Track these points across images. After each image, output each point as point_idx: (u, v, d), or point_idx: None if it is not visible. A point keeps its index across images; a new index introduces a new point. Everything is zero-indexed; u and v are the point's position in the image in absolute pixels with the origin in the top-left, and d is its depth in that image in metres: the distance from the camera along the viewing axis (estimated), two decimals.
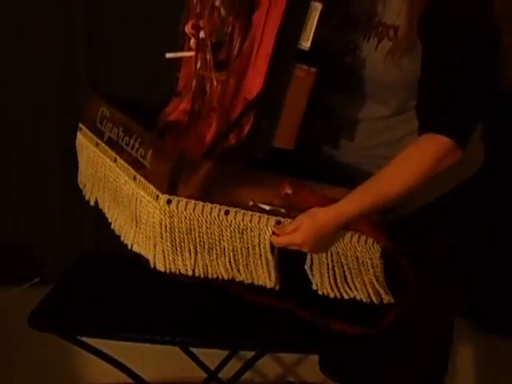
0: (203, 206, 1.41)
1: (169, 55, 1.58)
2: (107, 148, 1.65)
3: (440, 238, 1.68)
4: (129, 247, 1.51)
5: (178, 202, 1.40)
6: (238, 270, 1.46)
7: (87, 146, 1.75)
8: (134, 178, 1.50)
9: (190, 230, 1.42)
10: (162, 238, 1.41)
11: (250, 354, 1.78)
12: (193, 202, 1.41)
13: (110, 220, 1.62)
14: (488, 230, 2.14)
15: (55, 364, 2.46)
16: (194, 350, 2.09)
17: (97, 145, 1.70)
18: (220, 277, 1.45)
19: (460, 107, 1.48)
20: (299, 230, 1.46)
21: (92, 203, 1.72)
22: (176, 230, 1.41)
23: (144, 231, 1.46)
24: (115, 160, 1.60)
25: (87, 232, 2.24)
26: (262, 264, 1.47)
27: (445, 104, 1.48)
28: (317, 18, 1.39)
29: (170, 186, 1.39)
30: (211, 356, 2.04)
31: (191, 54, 1.55)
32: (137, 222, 1.49)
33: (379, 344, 1.66)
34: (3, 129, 2.25)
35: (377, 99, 1.61)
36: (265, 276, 1.48)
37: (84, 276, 1.91)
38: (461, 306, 1.81)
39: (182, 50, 1.61)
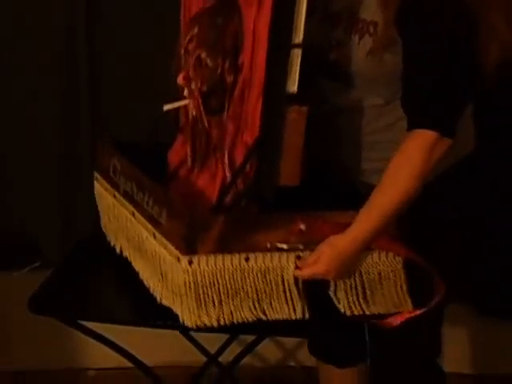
0: (223, 259, 1.46)
1: (166, 107, 1.61)
2: (124, 201, 1.70)
3: (437, 220, 1.71)
4: (158, 301, 1.57)
5: (199, 260, 1.44)
6: (263, 310, 1.50)
7: (106, 196, 1.80)
8: (154, 236, 1.55)
9: (214, 282, 1.46)
10: (186, 296, 1.46)
11: (250, 338, 1.79)
12: (213, 256, 1.45)
13: (137, 269, 1.67)
14: (487, 215, 2.17)
15: (55, 348, 2.50)
16: (194, 334, 2.07)
17: (114, 196, 1.75)
18: (245, 320, 1.49)
19: (438, 99, 1.51)
20: (320, 261, 1.49)
21: (118, 251, 1.76)
22: (200, 285, 1.45)
23: (170, 288, 1.51)
24: (133, 214, 1.65)
25: (87, 216, 2.24)
26: (286, 298, 1.51)
27: (423, 98, 1.52)
28: (299, 62, 1.42)
29: (188, 247, 1.44)
30: (211, 340, 2.02)
31: (186, 102, 1.57)
32: (162, 279, 1.54)
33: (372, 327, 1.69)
34: (1, 114, 2.27)
35: (368, 90, 1.64)
36: (290, 310, 1.51)
37: (84, 260, 1.89)
38: (457, 289, 1.83)
39: (179, 98, 1.64)
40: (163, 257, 1.52)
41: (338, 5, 1.63)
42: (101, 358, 2.43)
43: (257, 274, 1.48)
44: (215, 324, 1.48)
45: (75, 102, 2.26)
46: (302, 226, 1.48)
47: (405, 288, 1.59)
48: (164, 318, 1.59)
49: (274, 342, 2.49)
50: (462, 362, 2.44)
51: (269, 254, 1.48)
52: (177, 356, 2.41)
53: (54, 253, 2.29)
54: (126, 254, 1.73)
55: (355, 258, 1.53)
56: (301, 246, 1.49)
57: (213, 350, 2.11)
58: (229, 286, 1.47)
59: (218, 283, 1.46)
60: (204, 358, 2.14)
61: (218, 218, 1.45)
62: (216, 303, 1.47)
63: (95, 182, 1.86)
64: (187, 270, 1.44)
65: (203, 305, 1.46)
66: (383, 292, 1.58)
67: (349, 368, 2.01)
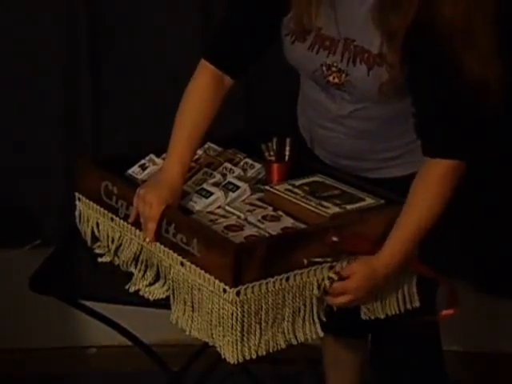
0: (267, 284, 1.45)
1: None
2: (128, 225, 1.64)
3: None
4: (186, 333, 1.54)
5: (246, 289, 1.43)
6: (294, 333, 1.51)
7: (96, 218, 1.73)
8: (182, 264, 1.51)
9: (258, 310, 1.45)
10: (231, 328, 1.44)
11: None
12: (257, 283, 1.44)
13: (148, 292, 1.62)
14: (487, 194, 2.23)
15: (55, 326, 2.53)
16: None
17: (112, 219, 1.68)
18: (278, 348, 1.49)
19: (456, 126, 1.56)
20: (353, 277, 1.50)
21: (120, 266, 1.69)
22: (246, 316, 1.44)
23: (209, 320, 1.48)
24: (145, 240, 1.59)
25: None
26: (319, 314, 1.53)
27: (441, 127, 1.57)
28: None
29: (236, 278, 1.42)
30: None
31: None
32: (193, 308, 1.51)
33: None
34: (2, 87, 2.27)
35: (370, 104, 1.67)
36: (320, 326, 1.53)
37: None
38: (456, 266, 1.90)
39: None
40: (198, 287, 1.49)
41: (332, 30, 1.63)
42: (101, 336, 2.45)
43: (295, 292, 1.49)
44: (254, 356, 1.47)
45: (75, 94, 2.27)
46: (335, 239, 1.49)
47: (415, 282, 1.63)
48: (164, 297, 1.59)
49: None
50: (460, 340, 2.51)
51: (306, 271, 1.49)
52: (176, 334, 2.30)
53: (54, 231, 2.29)
54: (129, 268, 1.66)
55: (384, 282, 1.54)
56: (329, 259, 1.51)
57: None
58: (271, 310, 1.47)
59: (262, 310, 1.46)
60: None
61: (259, 245, 1.44)
62: (257, 333, 1.46)
63: (78, 203, 1.78)
64: (235, 301, 1.42)
65: (246, 337, 1.45)
66: (397, 290, 1.61)
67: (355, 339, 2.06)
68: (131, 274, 1.65)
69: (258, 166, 1.77)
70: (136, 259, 1.65)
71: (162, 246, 1.57)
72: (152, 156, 1.78)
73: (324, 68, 1.65)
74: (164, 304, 1.60)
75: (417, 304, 1.64)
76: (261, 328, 1.47)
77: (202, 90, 1.69)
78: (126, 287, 1.62)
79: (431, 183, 1.56)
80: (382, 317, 1.61)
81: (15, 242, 2.35)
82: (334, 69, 1.64)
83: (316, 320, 1.53)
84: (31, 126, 2.28)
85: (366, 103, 1.67)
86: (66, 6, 2.19)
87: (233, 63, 1.72)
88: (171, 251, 1.54)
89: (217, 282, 1.45)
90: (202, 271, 1.48)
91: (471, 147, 1.58)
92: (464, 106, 1.54)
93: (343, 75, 1.63)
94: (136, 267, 1.65)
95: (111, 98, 2.26)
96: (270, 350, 1.49)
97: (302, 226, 1.57)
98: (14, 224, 2.35)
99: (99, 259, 1.73)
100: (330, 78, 1.65)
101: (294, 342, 1.52)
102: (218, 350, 1.48)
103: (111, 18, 2.20)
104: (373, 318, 1.60)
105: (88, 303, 1.74)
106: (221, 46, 1.73)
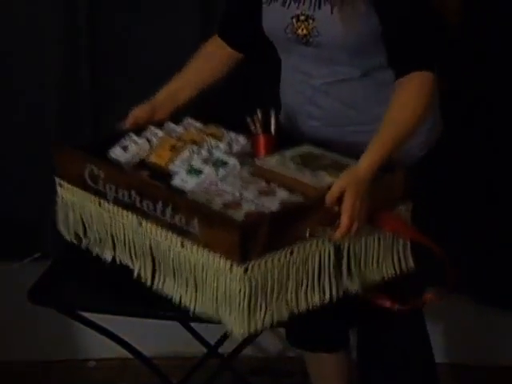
0: (272, 258, 1.43)
1: None
2: (119, 209, 1.60)
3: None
4: (190, 312, 1.53)
5: (253, 266, 1.41)
6: (297, 304, 1.50)
7: (82, 205, 1.68)
8: (182, 245, 1.49)
9: (264, 285, 1.44)
10: (238, 305, 1.43)
11: None
12: (264, 259, 1.42)
13: (144, 276, 1.60)
14: (487, 205, 2.23)
15: (55, 338, 2.51)
16: (194, 325, 2.09)
17: (100, 204, 1.64)
18: (282, 319, 1.49)
19: (426, 47, 1.66)
20: (348, 190, 1.49)
21: (109, 259, 1.67)
22: (253, 292, 1.43)
23: (214, 298, 1.47)
24: (140, 224, 1.56)
25: None
26: (320, 283, 1.52)
27: (414, 48, 1.66)
28: None
29: (243, 255, 1.40)
30: (211, 331, 1.94)
31: None
32: (197, 289, 1.50)
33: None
34: (2, 87, 2.26)
35: (344, 62, 1.70)
36: (321, 295, 1.52)
37: (84, 250, 1.79)
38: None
39: None
40: (202, 266, 1.46)
41: None
42: (101, 348, 2.42)
43: (299, 265, 1.48)
44: (259, 330, 1.47)
45: (75, 94, 2.25)
46: (336, 208, 1.48)
47: (409, 244, 1.63)
48: (164, 308, 1.59)
49: (274, 333, 2.47)
50: (459, 353, 2.49)
51: (308, 243, 1.48)
52: (176, 347, 2.43)
53: (54, 244, 2.24)
54: (124, 261, 1.64)
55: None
56: (329, 228, 1.50)
57: (213, 341, 2.08)
58: (276, 284, 1.46)
59: (268, 284, 1.45)
60: (204, 349, 2.12)
61: (264, 219, 1.43)
62: (263, 307, 1.46)
63: (59, 189, 1.74)
64: (243, 278, 1.40)
65: (252, 313, 1.44)
66: (392, 252, 1.61)
67: (335, 353, 2.05)
68: (131, 282, 1.62)
69: (242, 139, 1.73)
70: (129, 248, 1.62)
71: (159, 229, 1.53)
72: (132, 134, 1.73)
73: (294, 20, 1.70)
74: (165, 315, 1.61)
75: (411, 265, 1.64)
76: (266, 302, 1.46)
77: (207, 52, 1.90)
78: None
79: (418, 90, 1.62)
80: (378, 279, 1.60)
81: (15, 255, 2.34)
82: (302, 17, 1.69)
83: (321, 287, 1.52)
84: (31, 132, 2.27)
85: (335, 67, 1.71)
86: (66, 6, 2.16)
87: (237, 39, 1.89)
88: (169, 233, 1.51)
89: (222, 260, 1.43)
90: (206, 250, 1.45)
91: (438, 59, 1.66)
92: (427, 23, 1.65)
93: (310, 22, 1.68)
94: (131, 258, 1.62)
95: (111, 97, 2.23)
96: (274, 323, 1.48)
97: (298, 197, 1.55)
98: (14, 237, 2.33)
99: (102, 255, 1.69)
100: (300, 31, 1.70)
101: (297, 312, 1.50)
102: (224, 324, 1.47)
103: (111, 19, 2.18)
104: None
105: (87, 315, 1.73)
106: (225, 23, 1.90)
